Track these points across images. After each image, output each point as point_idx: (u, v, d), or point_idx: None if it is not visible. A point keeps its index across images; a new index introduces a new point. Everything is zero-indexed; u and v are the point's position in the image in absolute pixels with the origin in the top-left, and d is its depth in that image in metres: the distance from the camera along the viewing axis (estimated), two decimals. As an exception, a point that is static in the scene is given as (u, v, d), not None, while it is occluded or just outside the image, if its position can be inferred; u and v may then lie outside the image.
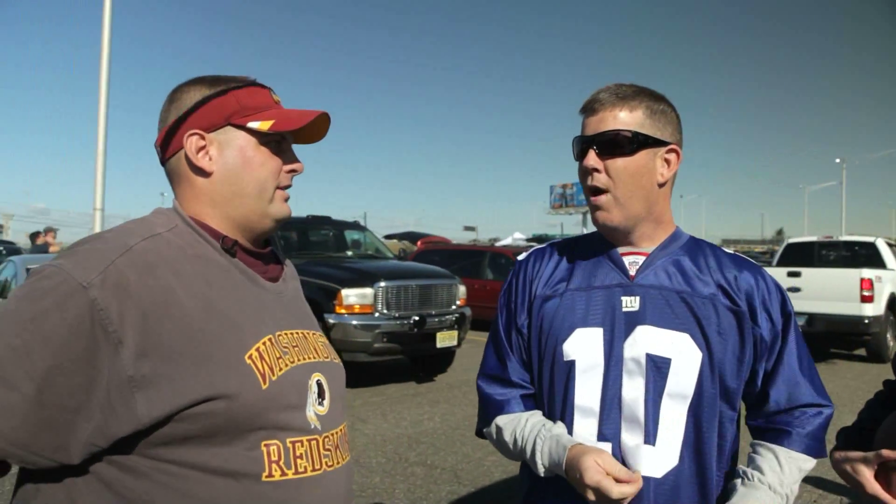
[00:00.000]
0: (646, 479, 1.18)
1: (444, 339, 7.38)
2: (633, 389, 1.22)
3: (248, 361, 0.94)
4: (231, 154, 1.05)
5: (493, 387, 1.40)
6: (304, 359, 1.05)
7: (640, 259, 1.30)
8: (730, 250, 1.39)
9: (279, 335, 1.03)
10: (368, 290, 7.01)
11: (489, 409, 1.39)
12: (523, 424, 1.30)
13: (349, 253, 8.89)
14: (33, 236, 13.28)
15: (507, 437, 1.33)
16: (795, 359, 1.29)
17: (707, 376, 1.22)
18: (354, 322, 6.85)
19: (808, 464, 1.26)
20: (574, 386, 1.25)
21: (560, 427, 1.26)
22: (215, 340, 0.92)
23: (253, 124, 1.05)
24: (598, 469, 1.11)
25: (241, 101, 1.06)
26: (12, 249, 22.19)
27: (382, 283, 7.09)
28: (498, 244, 19.39)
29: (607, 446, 1.22)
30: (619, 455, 1.21)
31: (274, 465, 0.95)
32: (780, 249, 10.68)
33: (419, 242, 17.88)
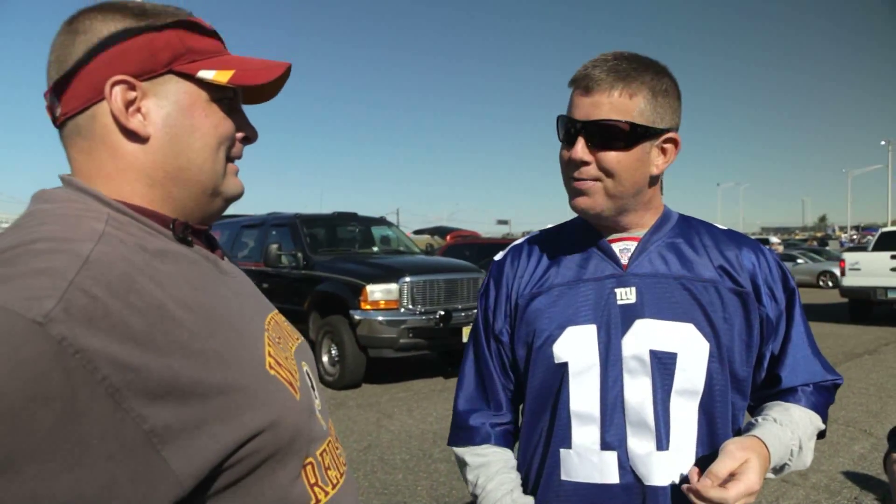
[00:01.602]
0: (661, 490, 1.08)
1: (471, 333, 7.31)
2: (638, 391, 1.11)
3: (272, 372, 0.75)
4: (174, 112, 0.78)
5: (466, 405, 1.29)
6: (291, 347, 0.88)
7: (632, 245, 1.19)
8: (722, 226, 1.28)
9: (267, 328, 0.84)
10: (393, 286, 6.97)
11: (459, 430, 1.28)
12: (491, 476, 1.20)
13: (375, 249, 8.87)
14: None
15: (470, 477, 1.23)
16: (804, 337, 1.20)
17: (716, 367, 1.12)
18: (380, 318, 6.82)
19: (818, 420, 1.18)
20: (568, 390, 1.14)
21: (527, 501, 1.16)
22: (230, 358, 0.70)
23: (205, 73, 0.78)
24: None
25: (186, 40, 0.78)
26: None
27: (407, 279, 7.04)
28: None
29: (612, 455, 1.11)
30: (628, 464, 1.10)
31: (317, 489, 0.79)
32: (874, 237, 12.23)
33: (448, 237, 17.78)
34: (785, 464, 1.10)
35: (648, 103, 1.09)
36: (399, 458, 4.73)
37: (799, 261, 24.01)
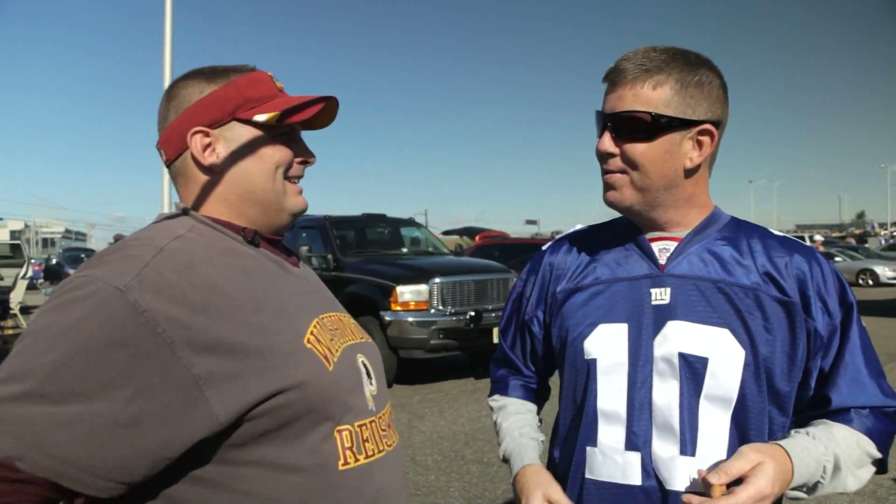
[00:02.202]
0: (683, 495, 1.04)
1: (502, 334, 7.26)
2: (666, 393, 1.08)
3: (308, 346, 0.92)
4: (240, 150, 1.00)
5: (497, 371, 1.42)
6: (347, 341, 1.03)
7: (672, 245, 1.16)
8: (778, 232, 1.21)
9: (322, 318, 1.01)
10: (423, 287, 6.98)
11: (491, 387, 1.43)
12: (507, 415, 1.33)
13: (404, 250, 8.89)
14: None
15: (493, 419, 1.37)
16: (860, 357, 1.10)
17: (751, 377, 1.07)
18: (410, 319, 6.84)
19: (870, 447, 1.08)
20: (596, 388, 1.13)
21: (531, 439, 1.26)
22: (271, 330, 0.89)
23: (259, 117, 0.98)
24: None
25: (244, 92, 1.00)
26: (93, 256, 23.41)
27: (437, 280, 7.04)
28: (559, 237, 18.98)
29: (636, 456, 1.09)
30: (651, 466, 1.08)
31: (348, 452, 0.93)
32: None
33: (477, 237, 17.72)
34: (818, 482, 1.03)
35: (676, 94, 1.08)
36: (431, 459, 4.73)
37: (837, 259, 23.41)
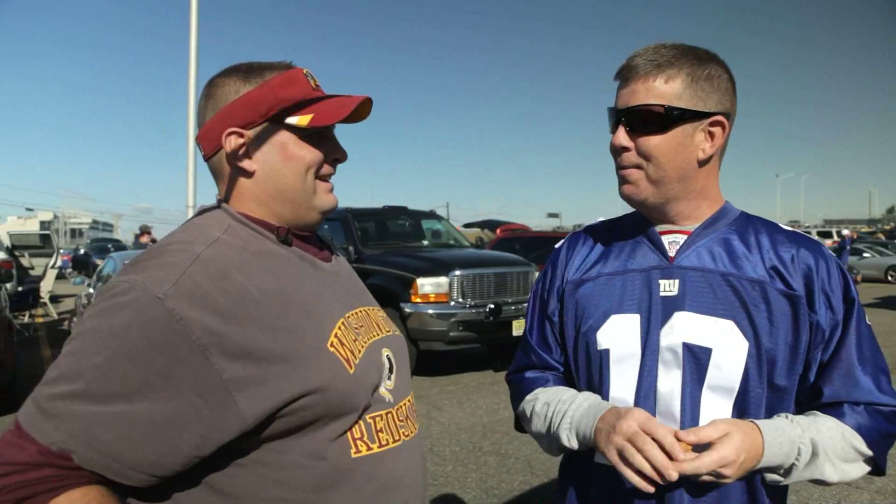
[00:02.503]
0: (682, 480, 1.04)
1: (521, 326, 7.27)
2: (670, 381, 1.12)
3: (331, 350, 0.96)
4: (272, 151, 1.02)
5: (526, 373, 1.34)
6: (373, 336, 1.07)
7: (682, 238, 1.19)
8: (787, 226, 1.23)
9: (348, 316, 1.04)
10: (443, 279, 7.01)
11: (524, 390, 1.31)
12: (562, 390, 1.23)
13: (425, 242, 8.93)
14: (137, 236, 14.29)
15: (539, 408, 1.24)
16: (855, 352, 1.12)
17: (754, 368, 1.10)
18: (430, 311, 6.89)
19: (859, 442, 1.08)
20: (608, 377, 1.17)
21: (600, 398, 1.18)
22: (296, 334, 0.93)
23: (291, 120, 1.01)
24: (642, 423, 1.01)
25: (277, 94, 1.01)
26: (119, 247, 23.85)
27: (457, 272, 7.07)
28: (573, 233, 18.78)
29: None
30: None
31: (359, 442, 0.97)
32: None
33: (498, 230, 17.66)
34: (793, 464, 1.05)
35: (687, 87, 1.11)
36: (449, 449, 4.77)
37: (865, 254, 22.92)
